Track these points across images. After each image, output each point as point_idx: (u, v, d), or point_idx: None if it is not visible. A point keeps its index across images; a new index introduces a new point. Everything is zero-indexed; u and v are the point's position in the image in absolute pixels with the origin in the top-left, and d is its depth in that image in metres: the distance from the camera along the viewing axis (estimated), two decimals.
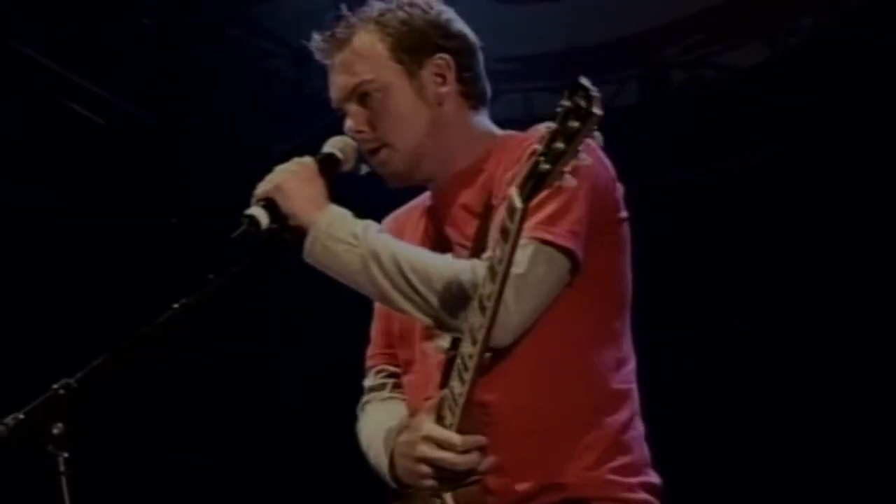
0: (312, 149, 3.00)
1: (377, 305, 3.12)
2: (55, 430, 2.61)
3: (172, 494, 6.51)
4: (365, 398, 3.14)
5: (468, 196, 2.94)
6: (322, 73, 3.06)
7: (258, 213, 2.86)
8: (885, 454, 6.22)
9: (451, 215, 2.96)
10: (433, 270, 2.77)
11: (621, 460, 2.86)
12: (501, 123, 3.06)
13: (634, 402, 2.93)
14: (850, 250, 6.39)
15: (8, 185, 6.20)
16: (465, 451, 2.70)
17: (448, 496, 2.74)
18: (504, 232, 2.54)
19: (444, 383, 2.75)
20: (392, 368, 3.11)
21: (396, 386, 3.09)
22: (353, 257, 2.81)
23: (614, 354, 2.91)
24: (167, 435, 6.57)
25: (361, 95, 2.97)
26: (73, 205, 6.32)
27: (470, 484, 2.74)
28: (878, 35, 6.24)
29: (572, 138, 2.45)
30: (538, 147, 2.48)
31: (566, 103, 2.45)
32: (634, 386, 2.95)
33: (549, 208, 2.76)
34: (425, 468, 2.74)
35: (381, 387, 3.12)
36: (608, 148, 2.97)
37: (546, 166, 2.47)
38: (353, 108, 2.98)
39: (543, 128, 2.51)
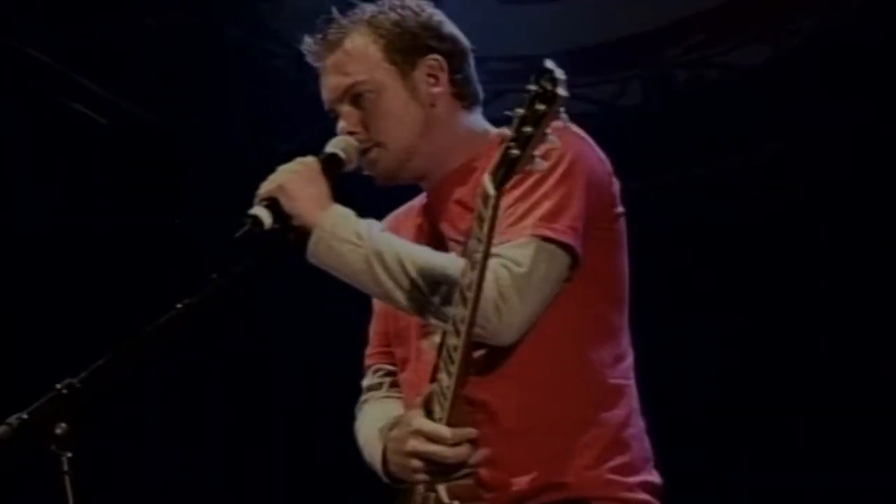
0: (315, 149, 3.00)
1: (375, 305, 3.13)
2: (58, 430, 2.61)
3: (173, 494, 6.51)
4: (363, 397, 3.15)
5: (462, 192, 2.95)
6: None
7: (261, 213, 2.86)
8: (886, 454, 6.22)
9: (445, 212, 2.98)
10: (437, 269, 2.78)
11: (621, 459, 2.86)
12: (502, 123, 3.07)
13: (633, 398, 2.94)
14: (850, 250, 6.39)
15: (9, 186, 6.20)
16: (456, 444, 2.70)
17: (442, 490, 2.74)
18: (479, 219, 2.55)
19: (434, 378, 2.75)
20: (389, 367, 3.12)
21: (394, 385, 3.11)
22: (357, 257, 2.82)
23: (612, 350, 2.92)
24: (167, 434, 6.57)
25: (355, 96, 2.98)
26: (75, 205, 6.32)
27: (464, 477, 2.74)
28: (878, 35, 6.24)
29: (539, 121, 2.46)
30: (508, 132, 2.49)
31: (533, 87, 2.46)
32: (633, 382, 2.95)
33: (548, 204, 2.78)
34: (416, 462, 2.74)
35: (379, 386, 3.13)
36: (609, 147, 2.98)
37: (516, 152, 2.49)
38: (345, 108, 2.99)
39: None
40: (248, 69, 6.45)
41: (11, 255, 6.11)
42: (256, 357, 6.70)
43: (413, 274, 2.78)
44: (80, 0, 6.14)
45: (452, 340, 2.63)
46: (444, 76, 2.99)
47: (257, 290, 5.58)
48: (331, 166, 2.95)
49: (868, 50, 6.23)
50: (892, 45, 6.19)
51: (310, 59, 3.04)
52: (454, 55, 3.02)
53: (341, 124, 2.99)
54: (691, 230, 6.51)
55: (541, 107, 2.45)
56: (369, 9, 3.03)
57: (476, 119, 3.05)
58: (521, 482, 2.82)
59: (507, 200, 2.66)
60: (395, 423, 2.89)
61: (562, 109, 2.47)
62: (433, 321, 2.82)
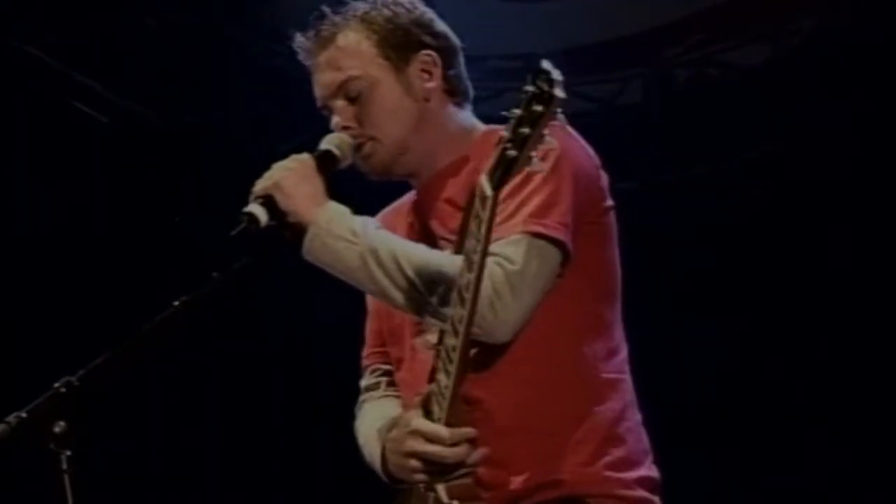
0: (314, 148, 3.00)
1: (370, 306, 3.13)
2: (57, 429, 2.61)
3: (173, 493, 6.51)
4: (361, 398, 3.16)
5: (452, 190, 2.96)
6: None
7: (257, 210, 2.87)
8: (886, 454, 6.21)
9: (435, 210, 2.98)
10: (433, 267, 2.78)
11: (616, 454, 2.86)
12: (502, 122, 3.06)
13: (628, 392, 2.94)
14: (850, 250, 6.39)
15: (9, 185, 6.20)
16: (454, 444, 2.70)
17: (441, 490, 2.74)
18: (477, 220, 2.55)
19: (433, 378, 2.75)
20: (386, 367, 3.12)
21: (391, 384, 3.11)
22: (352, 254, 2.82)
23: (605, 344, 2.92)
24: (167, 434, 6.57)
25: (349, 91, 2.98)
26: (75, 204, 6.32)
27: (462, 477, 2.74)
28: (878, 35, 6.24)
29: (536, 122, 2.46)
30: (505, 134, 2.49)
31: (530, 88, 2.46)
32: (627, 376, 2.95)
33: (537, 200, 2.79)
34: (415, 462, 2.75)
35: (376, 386, 3.13)
36: (609, 147, 2.98)
37: (513, 152, 2.49)
38: (339, 104, 3.00)
39: None
40: (248, 69, 6.44)
41: (11, 254, 6.11)
42: (256, 357, 6.70)
43: (408, 271, 2.78)
44: (81, 0, 6.14)
45: (451, 340, 2.64)
46: (437, 72, 3.00)
47: (256, 288, 5.58)
48: (325, 163, 2.95)
49: (868, 50, 6.23)
50: (892, 45, 6.19)
51: (302, 56, 3.05)
52: (446, 52, 3.04)
53: (335, 119, 3.00)
54: (691, 230, 6.51)
55: (538, 108, 2.46)
56: (361, 6, 3.03)
57: (466, 116, 3.06)
58: (518, 480, 2.82)
59: None
60: (394, 424, 2.89)
61: (559, 110, 2.47)
62: (430, 320, 2.82)
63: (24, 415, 2.62)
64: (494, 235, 2.68)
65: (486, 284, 2.67)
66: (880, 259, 6.37)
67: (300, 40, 3.05)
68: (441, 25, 3.05)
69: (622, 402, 2.90)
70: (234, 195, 3.03)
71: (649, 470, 2.92)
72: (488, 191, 2.53)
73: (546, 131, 2.48)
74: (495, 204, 2.54)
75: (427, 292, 2.77)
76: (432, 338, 2.86)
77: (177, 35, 6.33)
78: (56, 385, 2.65)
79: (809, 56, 6.42)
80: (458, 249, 2.79)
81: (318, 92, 3.04)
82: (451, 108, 3.03)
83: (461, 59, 3.07)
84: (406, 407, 2.93)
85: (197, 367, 6.39)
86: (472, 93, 3.08)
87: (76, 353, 2.77)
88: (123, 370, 2.71)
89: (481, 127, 3.04)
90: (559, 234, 2.78)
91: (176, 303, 2.79)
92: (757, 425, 6.51)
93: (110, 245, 6.31)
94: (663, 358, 5.86)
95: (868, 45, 6.25)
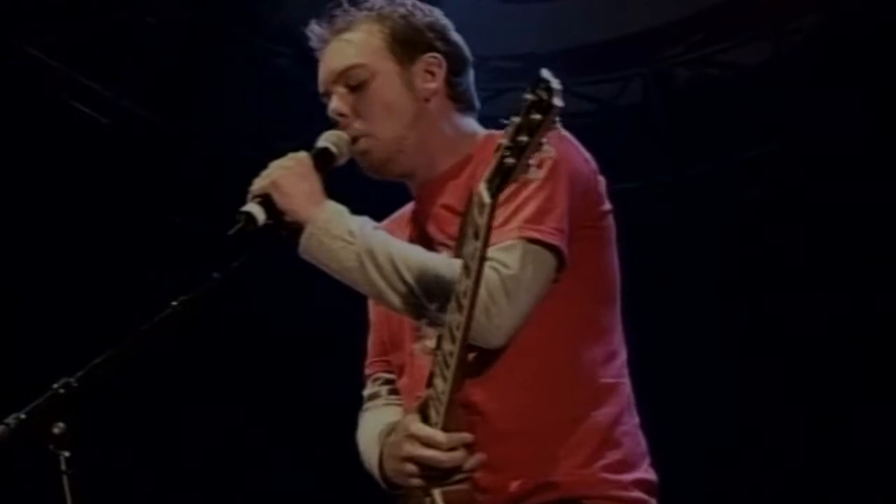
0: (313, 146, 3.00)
1: (372, 316, 3.13)
2: (56, 430, 2.61)
3: (172, 493, 6.52)
4: (364, 407, 3.15)
5: (450, 196, 2.95)
6: None
7: (254, 209, 2.85)
8: (886, 454, 6.22)
9: (433, 215, 2.97)
10: (430, 270, 2.78)
11: (612, 456, 2.85)
12: (503, 123, 3.06)
13: (626, 396, 2.93)
14: (850, 250, 6.40)
15: (10, 184, 6.20)
16: (451, 449, 2.70)
17: (438, 495, 2.74)
18: (475, 227, 2.55)
19: (431, 383, 2.75)
20: (388, 375, 3.11)
21: (393, 392, 3.10)
22: (349, 254, 2.81)
23: (603, 348, 2.91)
24: (167, 434, 6.57)
25: (350, 79, 2.98)
26: (75, 203, 6.32)
27: (459, 482, 2.74)
28: (878, 35, 6.24)
29: (535, 131, 2.46)
30: (504, 142, 2.50)
31: (529, 96, 2.46)
32: (626, 379, 2.94)
33: (533, 205, 2.78)
34: (412, 467, 2.74)
35: (378, 394, 3.12)
36: (609, 146, 2.97)
37: (511, 160, 2.48)
38: (339, 90, 2.99)
39: None
40: (248, 68, 6.45)
41: (12, 254, 6.12)
42: (257, 357, 6.70)
43: (405, 273, 2.78)
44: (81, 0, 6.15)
45: (448, 346, 2.63)
46: (441, 74, 3.00)
47: (258, 289, 5.58)
48: (323, 161, 2.94)
49: (868, 49, 6.23)
50: (892, 45, 6.19)
51: (312, 42, 3.05)
52: (455, 59, 3.03)
53: (332, 105, 2.99)
54: (691, 229, 6.52)
55: (536, 116, 2.46)
56: (381, 3, 3.04)
57: (469, 123, 3.05)
58: (515, 483, 2.81)
59: None
60: (392, 429, 2.89)
61: (557, 119, 2.47)
62: (427, 323, 2.82)
63: (23, 416, 2.61)
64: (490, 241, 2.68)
65: (481, 290, 2.66)
66: (880, 259, 6.38)
67: (314, 27, 3.05)
68: (455, 35, 3.05)
69: (619, 406, 2.90)
70: (235, 194, 3.03)
71: (646, 472, 2.91)
72: (487, 198, 2.52)
73: (544, 140, 2.48)
74: (493, 211, 2.53)
75: (424, 295, 2.77)
76: (430, 343, 2.85)
77: (177, 34, 6.34)
78: (55, 386, 2.64)
79: (810, 55, 6.43)
80: (456, 255, 2.79)
81: (321, 77, 3.04)
82: (453, 114, 3.02)
83: (470, 71, 3.06)
84: (407, 414, 2.93)
85: (197, 367, 6.40)
86: (478, 105, 3.08)
87: (75, 353, 2.77)
88: (122, 370, 2.71)
89: (482, 132, 3.03)
90: (554, 240, 2.78)
91: (174, 303, 2.78)
92: (757, 425, 6.52)
93: (110, 245, 6.32)
94: (662, 357, 5.87)
95: (868, 44, 6.25)
